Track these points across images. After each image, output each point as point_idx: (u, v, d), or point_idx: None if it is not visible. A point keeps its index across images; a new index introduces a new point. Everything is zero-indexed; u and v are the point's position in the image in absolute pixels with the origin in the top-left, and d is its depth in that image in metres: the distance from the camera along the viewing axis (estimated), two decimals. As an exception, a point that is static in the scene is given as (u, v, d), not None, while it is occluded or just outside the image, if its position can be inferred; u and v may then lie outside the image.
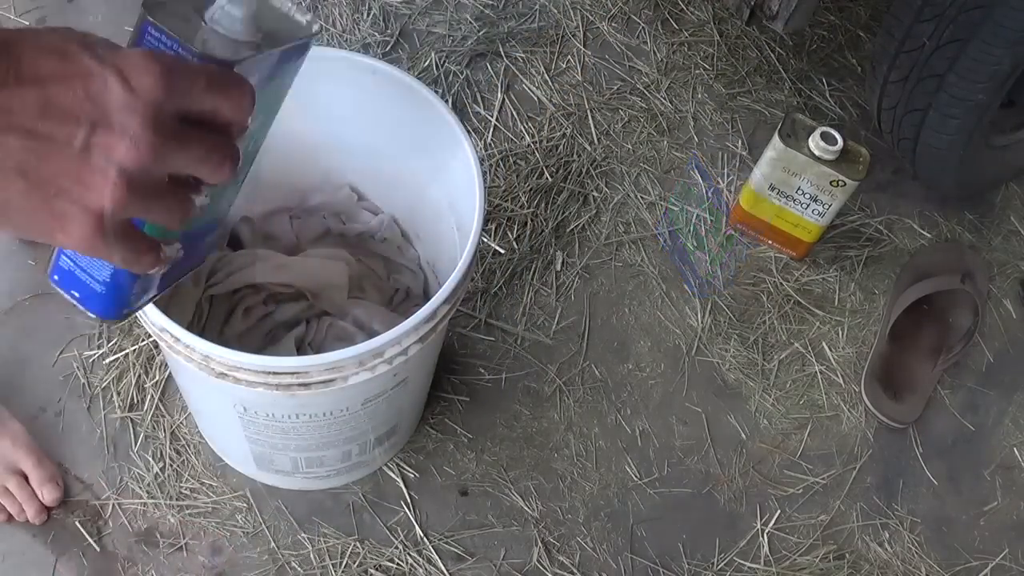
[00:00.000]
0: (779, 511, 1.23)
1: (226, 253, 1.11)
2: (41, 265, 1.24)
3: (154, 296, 0.59)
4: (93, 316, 0.56)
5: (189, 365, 0.82)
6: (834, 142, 1.25)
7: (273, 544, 1.12)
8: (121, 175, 0.44)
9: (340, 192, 1.18)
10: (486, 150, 1.42)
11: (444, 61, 1.49)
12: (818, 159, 1.26)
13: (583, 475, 1.22)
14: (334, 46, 1.48)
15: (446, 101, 1.32)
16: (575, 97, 1.50)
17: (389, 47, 1.50)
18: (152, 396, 1.18)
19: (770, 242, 1.41)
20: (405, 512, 1.16)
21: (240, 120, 0.48)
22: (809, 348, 1.35)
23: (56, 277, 0.56)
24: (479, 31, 1.53)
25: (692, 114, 1.52)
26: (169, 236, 0.52)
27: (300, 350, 1.09)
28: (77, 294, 0.55)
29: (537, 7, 1.58)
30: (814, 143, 1.26)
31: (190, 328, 0.93)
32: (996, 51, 1.18)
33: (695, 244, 1.40)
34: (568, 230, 1.38)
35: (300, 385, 0.82)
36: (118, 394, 1.18)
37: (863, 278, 1.42)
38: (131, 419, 1.17)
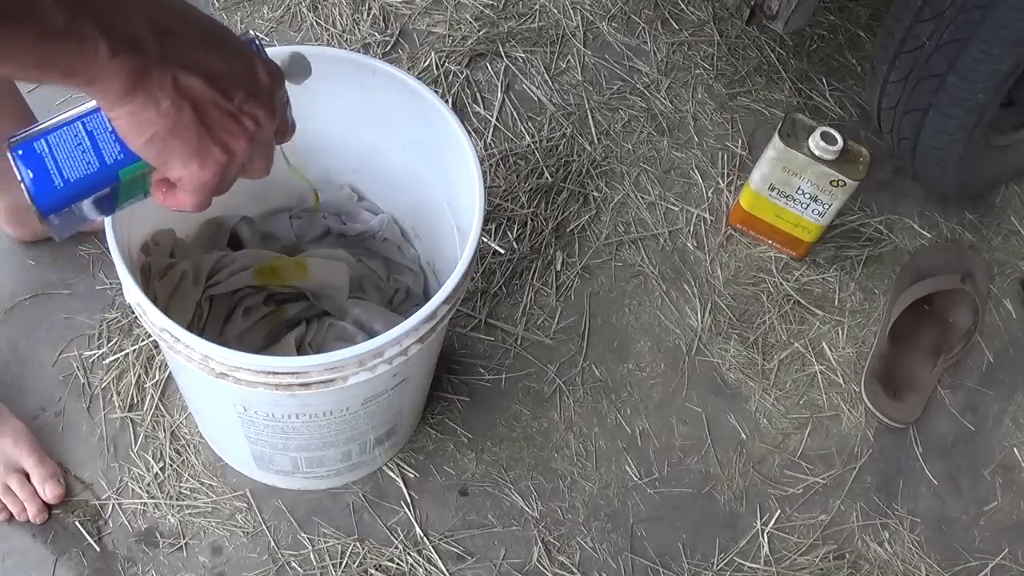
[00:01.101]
0: (779, 511, 1.23)
1: (226, 253, 1.11)
2: (42, 265, 1.24)
3: (67, 229, 0.65)
4: (31, 198, 0.60)
5: (189, 365, 0.82)
6: (834, 142, 1.25)
7: (273, 544, 1.12)
8: (254, 135, 0.59)
9: (340, 192, 1.18)
10: (486, 150, 1.42)
11: (444, 61, 1.49)
12: (818, 159, 1.26)
13: (583, 475, 1.22)
14: (334, 46, 1.48)
15: (446, 101, 1.33)
16: (575, 97, 1.50)
17: (389, 47, 1.50)
18: (152, 396, 1.18)
19: (770, 242, 1.41)
20: (405, 512, 1.16)
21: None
22: (809, 348, 1.35)
23: (20, 152, 0.60)
24: (479, 31, 1.53)
25: (692, 114, 1.52)
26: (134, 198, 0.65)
27: (300, 350, 1.09)
28: (31, 175, 0.59)
29: (537, 7, 1.58)
30: (814, 143, 1.26)
31: (190, 328, 0.93)
32: (996, 51, 1.18)
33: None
34: (568, 230, 1.39)
35: (300, 385, 0.82)
36: (118, 394, 1.18)
37: (863, 278, 1.42)
38: (131, 419, 1.17)
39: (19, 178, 0.60)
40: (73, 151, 0.61)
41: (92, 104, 0.62)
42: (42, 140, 0.61)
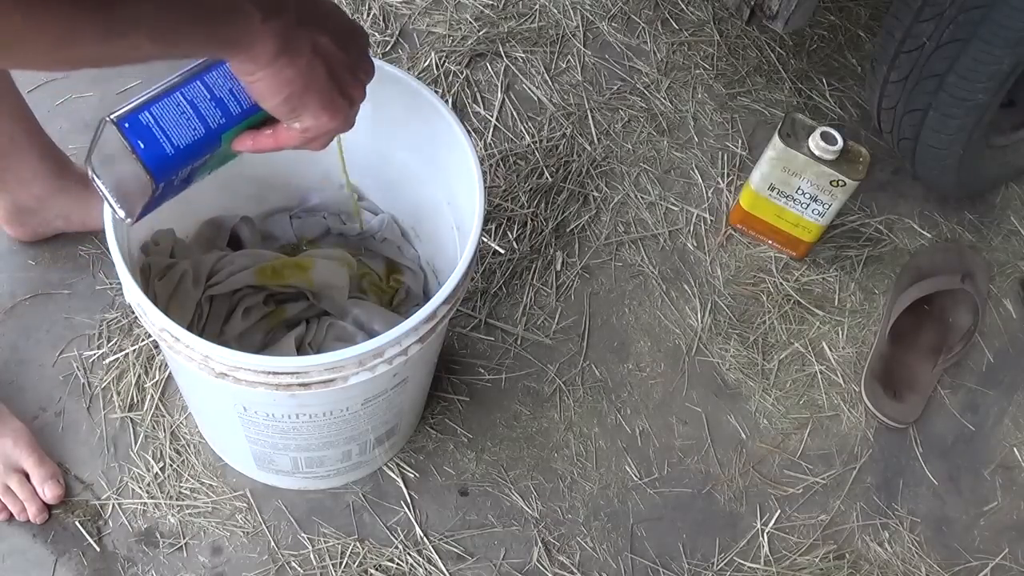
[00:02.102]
0: (779, 511, 1.23)
1: (226, 253, 1.11)
2: (42, 265, 1.24)
3: (155, 204, 0.71)
4: (143, 166, 0.65)
5: (189, 365, 0.82)
6: (834, 142, 1.25)
7: (273, 544, 1.12)
8: (364, 85, 0.70)
9: (340, 192, 1.18)
10: (486, 150, 1.42)
11: (444, 61, 1.49)
12: (818, 159, 1.26)
13: (583, 475, 1.22)
14: (334, 46, 1.48)
15: (446, 101, 1.33)
16: (575, 97, 1.50)
17: (389, 47, 1.50)
18: (152, 396, 1.18)
19: (770, 242, 1.41)
20: (405, 512, 1.16)
21: None
22: (809, 348, 1.35)
23: (127, 125, 0.65)
24: (479, 31, 1.53)
25: (692, 114, 1.52)
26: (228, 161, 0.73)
27: (300, 350, 1.09)
28: (142, 144, 0.64)
29: (537, 7, 1.58)
30: (814, 143, 1.26)
31: (190, 328, 0.93)
32: (996, 51, 1.18)
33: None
34: (568, 230, 1.39)
35: (300, 385, 0.82)
36: (118, 394, 1.18)
37: (863, 278, 1.42)
38: (131, 419, 1.17)
39: (129, 149, 0.64)
40: (178, 119, 0.66)
41: (179, 77, 0.67)
42: (146, 112, 0.65)
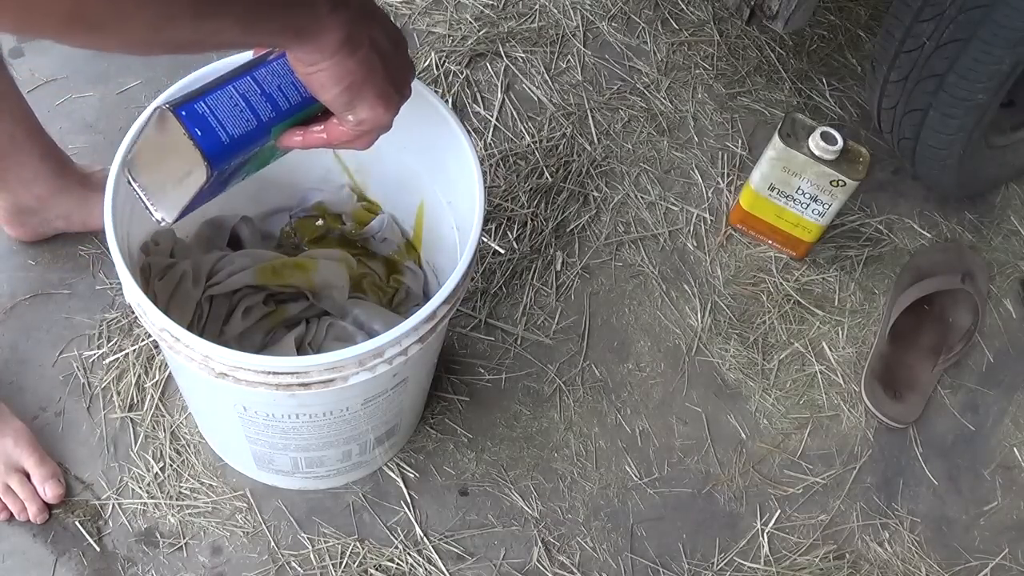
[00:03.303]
0: (779, 511, 1.23)
1: (226, 253, 1.11)
2: (42, 265, 1.24)
3: (200, 201, 0.72)
4: (200, 154, 0.66)
5: (189, 365, 0.82)
6: (834, 142, 1.25)
7: (273, 544, 1.12)
8: (413, 72, 0.73)
9: (340, 192, 1.18)
10: (486, 150, 1.42)
11: (444, 61, 1.49)
12: (818, 159, 1.26)
13: (583, 475, 1.22)
14: (334, 46, 1.48)
15: (446, 101, 1.33)
16: (575, 97, 1.50)
17: (389, 47, 1.50)
18: (152, 396, 1.18)
19: (770, 242, 1.41)
20: (405, 512, 1.16)
21: None
22: (809, 348, 1.35)
23: (184, 113, 0.66)
24: (479, 31, 1.53)
25: (692, 114, 1.52)
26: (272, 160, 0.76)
27: (300, 350, 1.09)
28: (200, 132, 0.66)
29: (537, 7, 1.58)
30: (814, 143, 1.26)
31: (190, 328, 0.93)
32: (996, 51, 1.18)
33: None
34: (568, 230, 1.39)
35: (300, 385, 0.82)
36: (118, 394, 1.18)
37: (863, 278, 1.42)
38: (131, 419, 1.17)
39: (187, 135, 0.66)
40: (231, 110, 0.68)
41: (228, 74, 0.69)
42: (201, 102, 0.67)
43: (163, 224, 0.73)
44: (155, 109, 0.68)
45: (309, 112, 0.71)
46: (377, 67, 0.66)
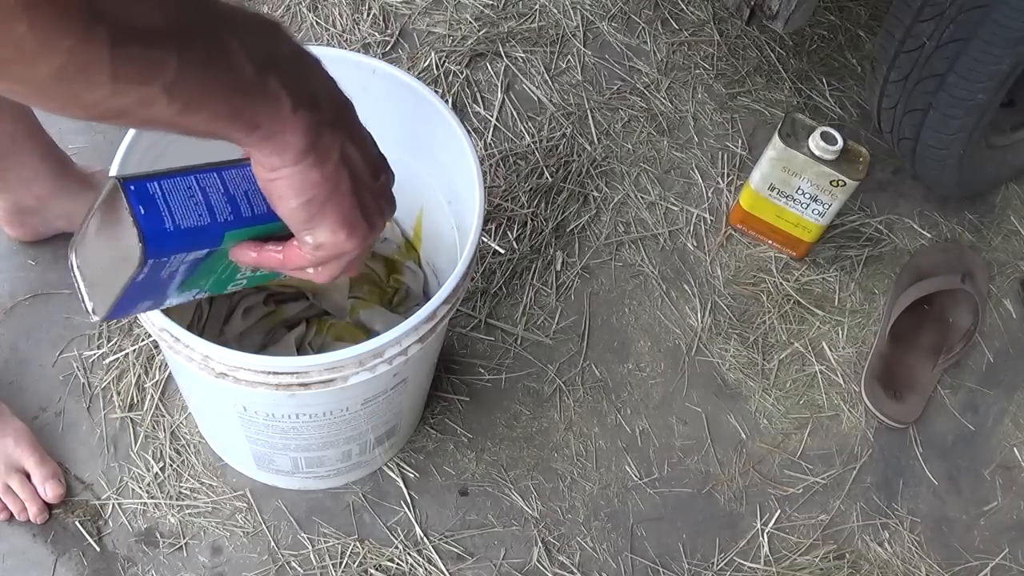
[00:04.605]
0: (779, 511, 1.23)
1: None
2: (42, 265, 1.24)
3: (127, 308, 0.64)
4: (137, 233, 0.58)
5: (189, 365, 0.82)
6: (834, 142, 1.25)
7: (273, 544, 1.12)
8: (385, 220, 0.62)
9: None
10: (486, 150, 1.42)
11: (444, 61, 1.49)
12: (818, 159, 1.26)
13: (583, 475, 1.22)
14: (334, 46, 1.48)
15: (446, 101, 1.33)
16: (575, 97, 1.50)
17: (389, 47, 1.50)
18: (152, 396, 1.18)
19: (770, 242, 1.41)
20: (405, 512, 1.16)
21: None
22: (809, 348, 1.35)
23: (133, 188, 0.59)
24: (479, 31, 1.53)
25: (692, 114, 1.52)
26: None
27: (300, 350, 1.09)
28: (143, 211, 0.59)
29: (537, 7, 1.58)
30: (814, 143, 1.26)
31: (190, 328, 0.93)
32: (996, 51, 1.18)
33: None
34: (568, 230, 1.39)
35: (300, 385, 0.82)
36: (118, 394, 1.18)
37: (863, 278, 1.42)
38: (131, 419, 1.17)
39: (130, 212, 0.59)
40: (185, 200, 0.61)
41: (196, 166, 0.62)
42: (155, 183, 0.60)
43: (94, 320, 0.66)
44: (110, 180, 0.61)
45: (272, 229, 0.63)
46: (345, 188, 0.58)
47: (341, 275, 0.64)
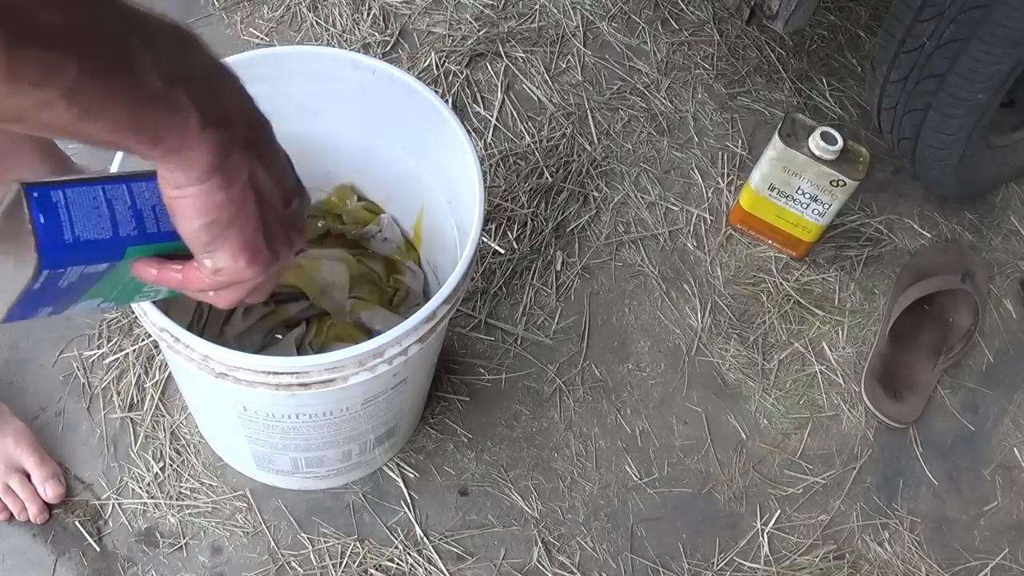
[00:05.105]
0: (779, 511, 1.23)
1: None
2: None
3: (24, 311, 0.61)
4: (34, 243, 0.56)
5: (189, 365, 0.82)
6: (834, 142, 1.25)
7: (273, 544, 1.12)
8: (292, 250, 0.59)
9: (340, 191, 1.18)
10: (486, 150, 1.42)
11: (444, 61, 1.49)
12: (818, 159, 1.26)
13: (583, 475, 1.22)
14: (334, 46, 1.48)
15: (446, 101, 1.33)
16: (575, 97, 1.50)
17: (389, 47, 1.50)
18: (152, 396, 1.18)
19: (770, 242, 1.41)
20: (405, 512, 1.16)
21: None
22: (809, 348, 1.35)
23: (36, 195, 0.57)
24: (479, 31, 1.53)
25: (692, 114, 1.52)
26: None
27: (300, 350, 1.09)
28: (43, 219, 0.56)
29: (537, 7, 1.58)
30: (814, 143, 1.26)
31: (190, 328, 0.93)
32: (996, 51, 1.18)
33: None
34: (568, 230, 1.39)
35: (300, 385, 0.82)
36: (118, 394, 1.18)
37: (863, 278, 1.42)
38: (131, 419, 1.17)
39: (30, 220, 0.57)
40: (89, 212, 0.58)
41: (107, 176, 0.60)
42: (60, 191, 0.58)
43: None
44: (15, 184, 0.58)
45: (177, 247, 0.60)
46: (251, 212, 0.55)
47: (244, 301, 0.61)
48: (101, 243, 0.59)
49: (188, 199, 0.53)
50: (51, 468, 1.10)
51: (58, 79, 0.43)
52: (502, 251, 1.33)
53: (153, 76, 0.47)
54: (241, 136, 0.53)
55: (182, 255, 0.60)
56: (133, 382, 1.18)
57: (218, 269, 0.57)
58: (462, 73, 1.49)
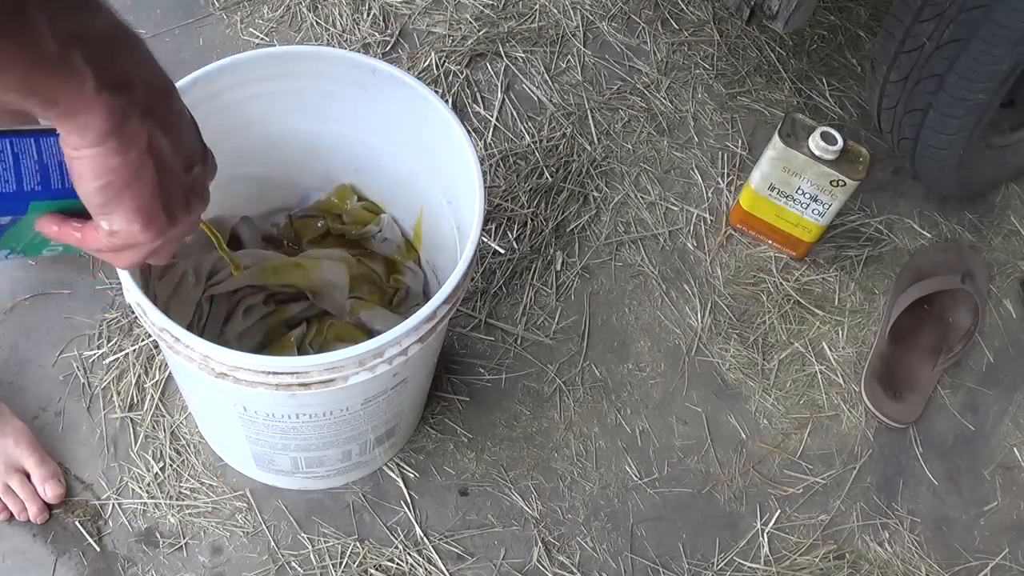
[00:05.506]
0: (779, 511, 1.23)
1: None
2: (41, 265, 1.24)
3: None
4: None
5: (189, 365, 0.82)
6: (834, 142, 1.25)
7: (273, 544, 1.12)
8: (192, 215, 0.60)
9: (340, 191, 1.18)
10: (486, 150, 1.42)
11: (444, 61, 1.49)
12: (818, 159, 1.26)
13: (583, 475, 1.22)
14: (334, 46, 1.48)
15: (446, 101, 1.33)
16: (575, 97, 1.50)
17: (389, 47, 1.50)
18: (152, 396, 1.18)
19: (770, 242, 1.41)
20: (405, 512, 1.16)
21: None
22: (809, 348, 1.35)
23: None
24: (479, 31, 1.53)
25: (692, 114, 1.52)
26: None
27: (300, 350, 1.09)
28: None
29: (537, 7, 1.58)
30: (814, 143, 1.26)
31: (190, 328, 0.93)
32: (996, 51, 1.18)
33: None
34: (568, 230, 1.39)
35: (300, 385, 0.82)
36: (118, 394, 1.18)
37: (863, 278, 1.42)
38: (131, 419, 1.17)
39: None
40: None
41: (19, 129, 0.60)
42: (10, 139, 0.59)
43: None
44: None
45: (80, 205, 0.60)
46: (147, 177, 0.55)
47: (142, 263, 0.62)
48: (4, 196, 0.59)
49: (84, 160, 0.53)
50: (51, 468, 1.10)
51: None
52: (502, 251, 1.33)
53: (48, 38, 0.47)
54: (140, 100, 0.52)
55: (84, 213, 0.60)
56: (133, 382, 1.18)
57: (114, 231, 0.57)
58: (462, 73, 1.49)
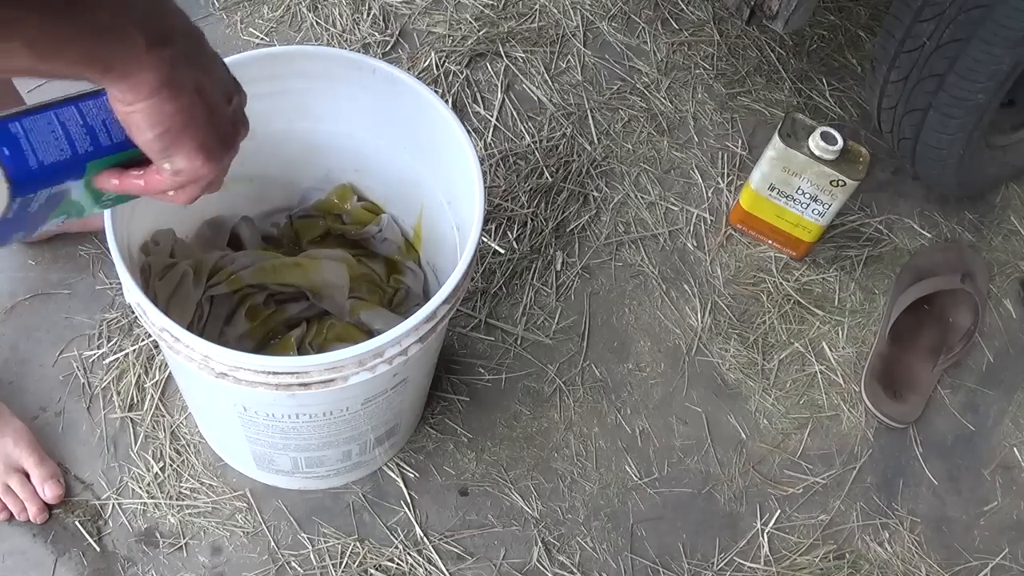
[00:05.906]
0: (779, 511, 1.23)
1: (226, 253, 1.11)
2: (42, 265, 1.24)
3: (22, 229, 0.67)
4: (6, 174, 0.61)
5: (189, 365, 0.82)
6: (834, 142, 1.25)
7: (273, 544, 1.12)
8: (240, 141, 0.65)
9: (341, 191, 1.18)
10: (486, 150, 1.42)
11: (444, 61, 1.49)
12: (818, 159, 1.26)
13: (583, 475, 1.22)
14: (334, 46, 1.48)
15: (446, 101, 1.33)
16: (575, 97, 1.50)
17: (389, 47, 1.50)
18: (152, 396, 1.18)
19: (770, 242, 1.41)
20: (405, 512, 1.16)
21: None
22: (809, 348, 1.35)
23: None
24: (479, 31, 1.53)
25: (692, 114, 1.52)
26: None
27: (300, 350, 1.09)
28: (8, 152, 0.61)
29: (537, 7, 1.58)
30: (814, 143, 1.26)
31: (190, 328, 0.93)
32: (996, 51, 1.18)
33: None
34: (568, 230, 1.39)
35: (300, 385, 0.82)
36: (118, 394, 1.18)
37: (863, 278, 1.42)
38: (131, 419, 1.17)
39: None
40: (47, 137, 0.63)
41: (55, 100, 0.64)
42: (16, 123, 0.62)
43: None
44: None
45: (133, 155, 0.66)
46: (200, 116, 0.60)
47: (201, 195, 0.66)
48: (63, 163, 0.64)
49: (140, 113, 0.58)
50: (51, 468, 1.10)
51: (20, 32, 0.48)
52: (502, 251, 1.33)
53: (100, 10, 0.52)
54: (182, 49, 0.57)
55: (138, 162, 0.65)
56: (133, 382, 1.18)
57: (178, 171, 0.62)
58: (462, 73, 1.49)
